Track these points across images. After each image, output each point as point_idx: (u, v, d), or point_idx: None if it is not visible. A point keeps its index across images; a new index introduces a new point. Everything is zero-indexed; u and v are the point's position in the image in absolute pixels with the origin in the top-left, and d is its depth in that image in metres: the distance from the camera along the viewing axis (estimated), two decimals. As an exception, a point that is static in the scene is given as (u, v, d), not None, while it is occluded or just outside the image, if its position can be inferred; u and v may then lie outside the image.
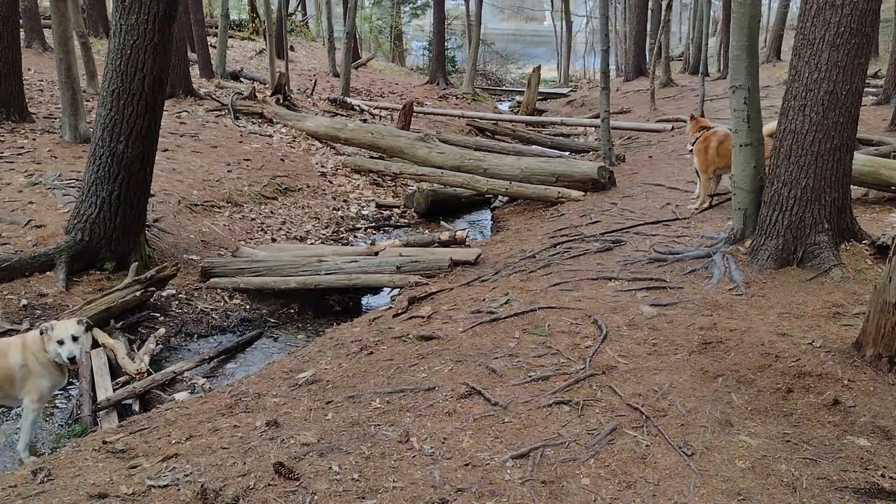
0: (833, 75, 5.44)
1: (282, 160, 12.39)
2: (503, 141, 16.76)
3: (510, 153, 13.48)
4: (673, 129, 15.68)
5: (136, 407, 5.32)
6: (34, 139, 10.42)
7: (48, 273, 6.80)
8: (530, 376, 4.32)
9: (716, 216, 7.98)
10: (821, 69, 5.47)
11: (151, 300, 6.85)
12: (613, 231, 7.77)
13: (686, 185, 9.83)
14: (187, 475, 3.43)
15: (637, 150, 14.25)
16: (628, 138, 16.08)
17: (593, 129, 17.82)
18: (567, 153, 15.64)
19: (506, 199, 11.51)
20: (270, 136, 13.75)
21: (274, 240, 9.41)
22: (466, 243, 8.97)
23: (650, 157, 13.08)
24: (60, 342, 4.44)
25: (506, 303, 5.72)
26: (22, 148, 9.95)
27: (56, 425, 5.20)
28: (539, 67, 23.96)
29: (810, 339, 4.51)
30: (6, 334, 5.50)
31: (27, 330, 5.72)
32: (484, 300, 5.98)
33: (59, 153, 9.94)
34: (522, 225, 9.70)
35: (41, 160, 9.54)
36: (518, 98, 26.51)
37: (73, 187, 8.43)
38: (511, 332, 5.08)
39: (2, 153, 9.60)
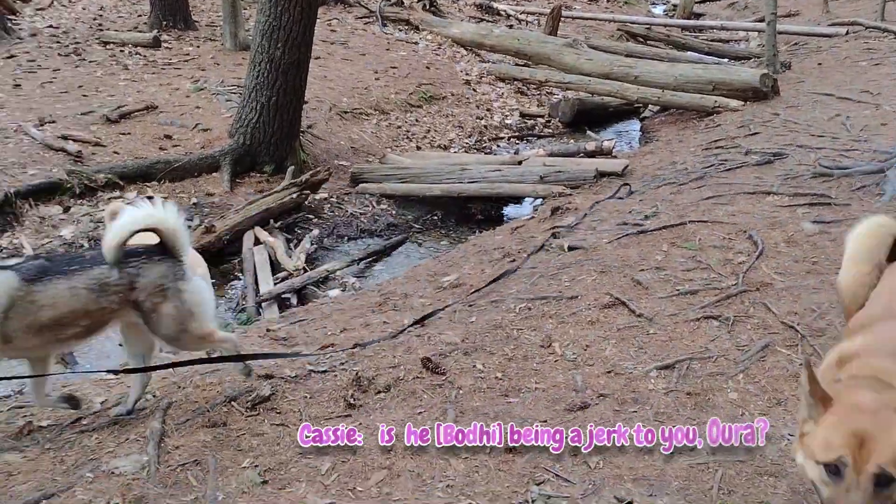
0: None
1: (427, 68, 12.40)
2: (656, 47, 15.85)
3: (664, 60, 12.78)
4: (847, 33, 14.22)
5: (294, 301, 5.70)
6: (198, 46, 10.99)
7: (214, 174, 7.29)
8: (678, 290, 4.23)
9: (892, 129, 7.28)
10: None
11: (306, 202, 7.21)
12: (775, 143, 7.28)
13: (859, 96, 8.99)
14: (343, 363, 3.67)
15: (804, 57, 13.07)
16: (795, 44, 14.77)
17: (756, 34, 16.51)
18: (725, 60, 14.63)
19: (657, 108, 11.00)
20: (416, 43, 13.74)
21: (419, 148, 9.55)
22: (613, 154, 8.71)
23: (819, 64, 11.98)
24: None
25: (654, 215, 5.56)
26: (188, 55, 10.55)
27: (225, 313, 5.67)
28: (699, -34, 22.26)
29: None
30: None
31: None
32: (630, 212, 5.84)
33: (221, 60, 10.45)
34: (674, 136, 9.27)
35: (205, 67, 10.08)
36: (673, 1, 24.88)
37: (234, 93, 8.88)
38: (658, 244, 4.96)
39: (170, 60, 10.22)
